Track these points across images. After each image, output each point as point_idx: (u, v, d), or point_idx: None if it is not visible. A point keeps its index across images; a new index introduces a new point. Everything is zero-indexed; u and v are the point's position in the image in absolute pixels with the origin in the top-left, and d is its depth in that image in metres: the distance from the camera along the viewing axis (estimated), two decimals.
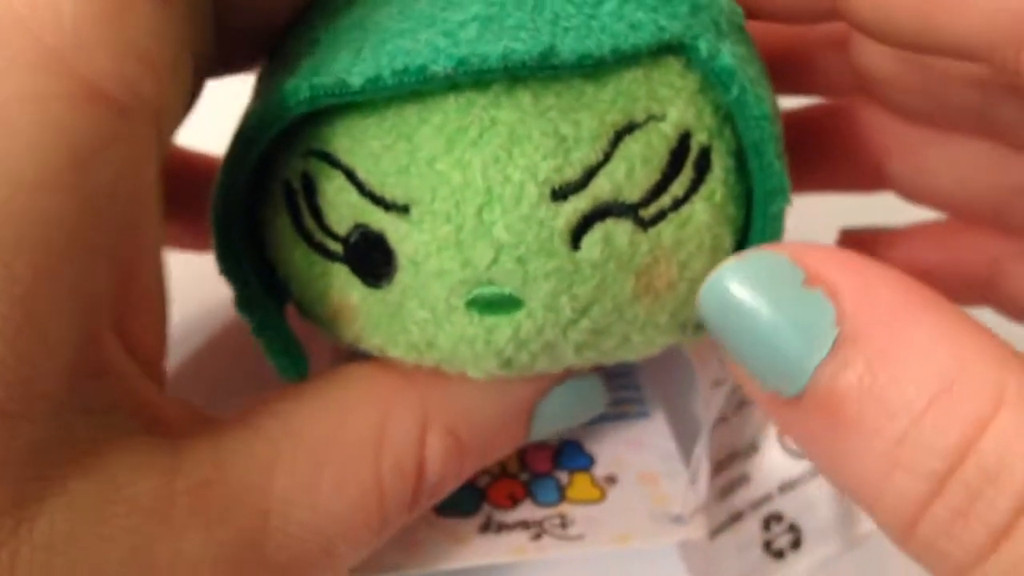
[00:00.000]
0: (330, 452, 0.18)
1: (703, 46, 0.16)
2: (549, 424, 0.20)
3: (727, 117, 0.17)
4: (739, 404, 0.22)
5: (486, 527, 0.21)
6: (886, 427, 0.14)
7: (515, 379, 0.19)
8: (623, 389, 0.23)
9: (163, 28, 0.15)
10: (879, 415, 0.14)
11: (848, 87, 0.23)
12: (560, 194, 0.16)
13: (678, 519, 0.21)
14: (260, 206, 0.19)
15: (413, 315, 0.17)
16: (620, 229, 0.16)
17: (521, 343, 0.17)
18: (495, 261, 0.16)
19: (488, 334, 0.17)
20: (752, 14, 0.18)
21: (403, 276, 0.17)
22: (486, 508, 0.21)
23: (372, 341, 0.18)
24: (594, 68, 0.16)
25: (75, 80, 0.14)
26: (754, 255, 0.15)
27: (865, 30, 0.18)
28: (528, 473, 0.22)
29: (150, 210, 0.16)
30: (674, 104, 0.17)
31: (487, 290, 0.16)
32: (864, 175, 0.23)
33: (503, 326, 0.17)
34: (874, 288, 0.14)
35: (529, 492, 0.22)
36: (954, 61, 0.18)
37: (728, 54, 0.16)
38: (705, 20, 0.17)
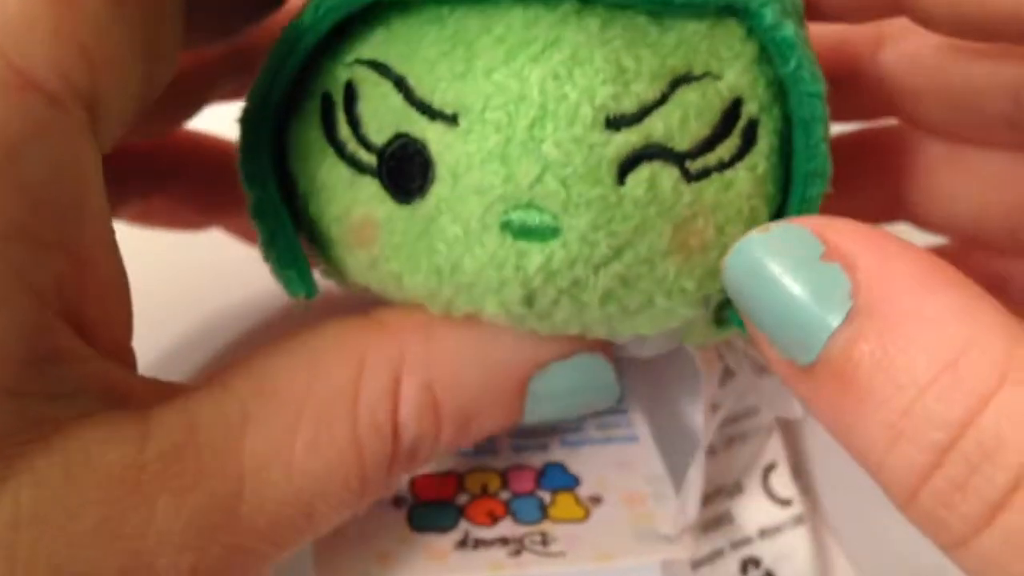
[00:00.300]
0: (303, 409, 0.17)
1: (768, 14, 0.17)
2: (547, 404, 0.19)
3: (777, 97, 0.18)
4: (728, 440, 0.22)
5: (463, 543, 0.20)
6: (892, 398, 0.14)
7: (511, 340, 0.19)
8: (610, 414, 0.23)
9: (109, 23, 0.16)
10: (887, 386, 0.14)
11: (872, 108, 0.23)
12: (613, 123, 0.16)
13: (665, 538, 0.20)
14: (291, 121, 0.19)
15: (443, 232, 0.17)
16: (666, 174, 0.16)
17: (551, 274, 0.17)
18: (539, 180, 0.16)
19: (519, 258, 0.16)
20: (810, 13, 0.19)
21: (439, 189, 0.17)
22: (463, 524, 0.21)
23: (390, 266, 0.18)
24: (661, 10, 0.17)
25: (8, 68, 0.14)
26: (777, 227, 0.16)
27: (929, 17, 0.18)
28: (509, 493, 0.21)
29: (94, 200, 0.16)
30: (732, 67, 0.17)
31: (526, 214, 0.16)
32: (881, 205, 0.24)
33: (535, 253, 0.16)
34: (891, 262, 0.15)
35: (510, 511, 0.21)
36: (995, 67, 0.19)
37: (790, 27, 0.17)
38: None
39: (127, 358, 0.18)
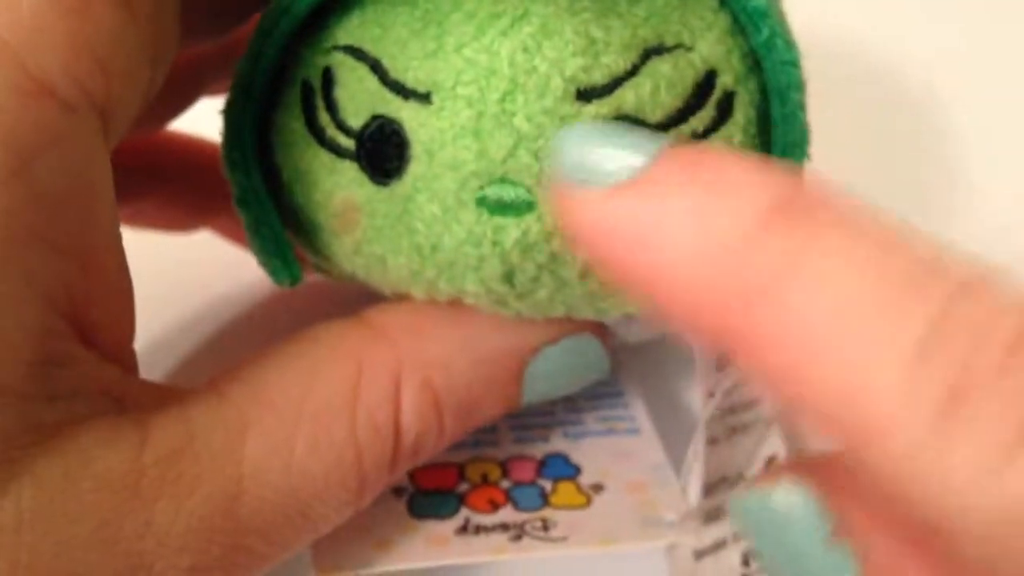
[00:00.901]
0: (302, 414, 0.17)
1: None
2: (544, 385, 0.20)
3: (753, 70, 0.18)
4: (730, 431, 0.22)
5: (464, 529, 0.20)
6: None
7: (501, 330, 0.19)
8: (611, 407, 0.23)
9: (120, 31, 0.16)
10: None
11: None
12: (584, 95, 0.16)
13: (668, 524, 0.20)
14: (273, 112, 0.19)
15: (421, 211, 0.17)
16: None
17: (527, 248, 0.17)
18: (512, 154, 0.16)
19: (496, 234, 0.17)
20: None
21: (416, 167, 0.17)
22: (464, 511, 0.20)
23: (373, 248, 0.18)
24: None
25: (24, 75, 0.15)
26: (785, 490, 0.14)
27: None
28: (510, 481, 0.21)
29: (103, 205, 0.17)
30: (704, 38, 0.17)
31: (500, 189, 0.16)
32: None
33: (511, 227, 0.17)
34: (904, 558, 0.13)
35: (510, 498, 0.21)
36: None
37: None
38: None
39: (128, 361, 0.18)
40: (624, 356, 0.21)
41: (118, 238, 0.17)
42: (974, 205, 0.30)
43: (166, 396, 0.17)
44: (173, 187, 0.25)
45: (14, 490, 0.14)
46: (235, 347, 0.26)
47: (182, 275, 0.27)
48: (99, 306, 0.16)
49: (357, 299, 0.22)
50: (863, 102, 0.32)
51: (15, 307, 0.15)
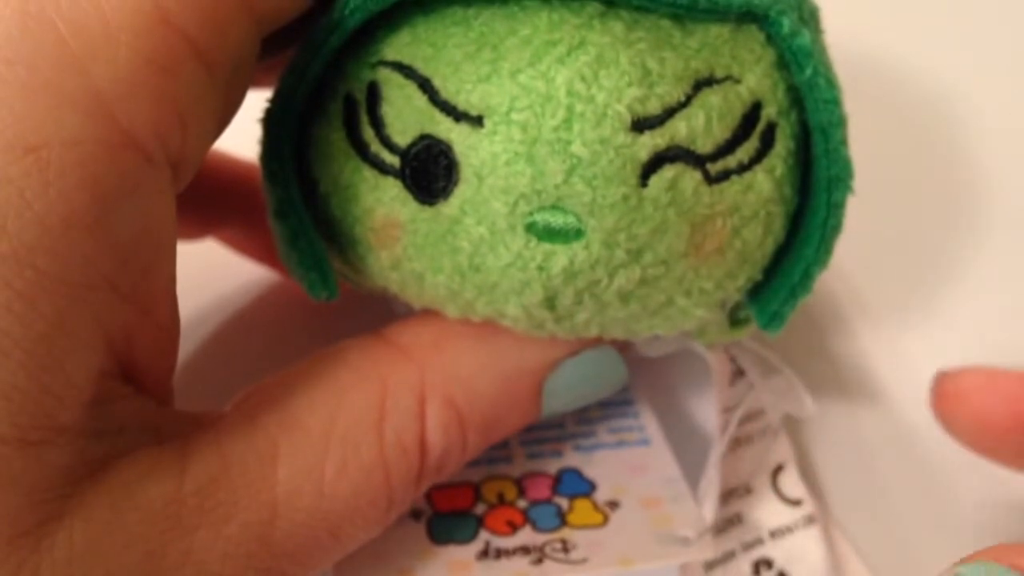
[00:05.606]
0: (331, 437, 0.18)
1: (786, 22, 0.17)
2: (563, 398, 0.20)
3: (794, 103, 0.18)
4: (735, 443, 0.23)
5: (485, 554, 0.20)
6: None
7: (523, 346, 0.19)
8: (622, 418, 0.23)
9: (201, 92, 0.16)
10: None
11: None
12: (638, 126, 0.16)
13: (683, 540, 0.20)
14: (312, 122, 0.19)
15: (468, 233, 0.17)
16: (688, 176, 0.17)
17: (573, 275, 0.17)
18: (566, 180, 0.16)
19: (543, 260, 0.17)
20: None
21: (464, 190, 0.17)
22: (484, 535, 0.21)
23: (412, 265, 0.18)
24: (684, 13, 0.17)
25: (114, 127, 0.15)
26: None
27: None
28: (526, 501, 0.21)
29: (166, 253, 0.17)
30: (752, 71, 0.17)
31: (551, 215, 0.16)
32: None
33: (559, 254, 0.17)
34: None
35: (528, 519, 0.21)
36: None
37: (807, 36, 0.17)
38: (791, 1, 0.18)
39: (166, 396, 0.18)
40: (632, 366, 0.21)
41: (174, 284, 0.18)
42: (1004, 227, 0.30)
43: (200, 423, 0.18)
44: (181, 196, 0.25)
45: (67, 524, 0.15)
46: (237, 355, 0.26)
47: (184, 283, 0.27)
48: (149, 348, 0.17)
49: (366, 305, 0.22)
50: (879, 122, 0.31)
51: (82, 351, 0.15)
